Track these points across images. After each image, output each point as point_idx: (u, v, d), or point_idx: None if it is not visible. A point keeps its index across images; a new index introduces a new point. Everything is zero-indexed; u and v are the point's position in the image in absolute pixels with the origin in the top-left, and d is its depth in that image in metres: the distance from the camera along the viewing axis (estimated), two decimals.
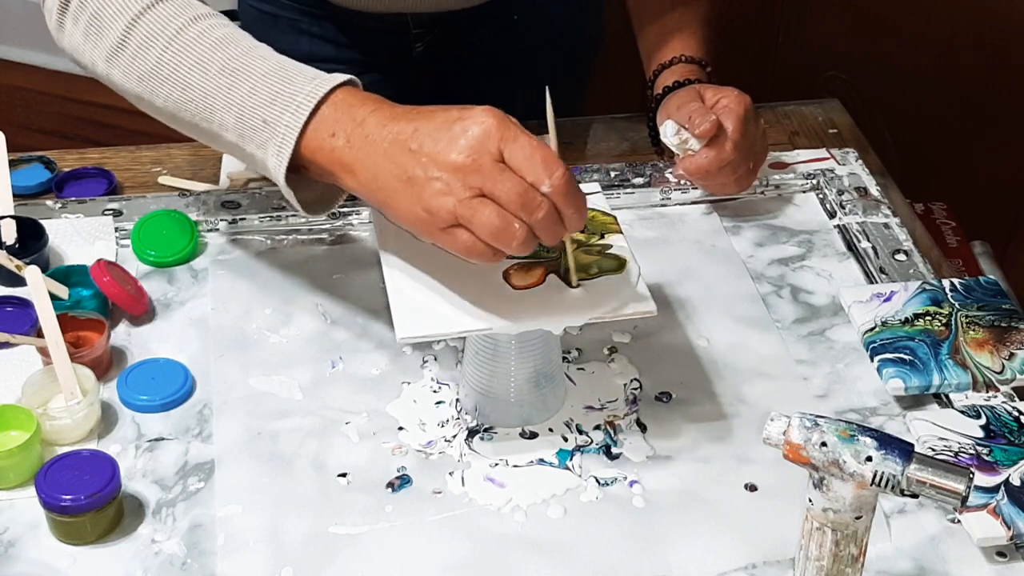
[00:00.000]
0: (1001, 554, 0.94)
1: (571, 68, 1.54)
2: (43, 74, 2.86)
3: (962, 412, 1.03)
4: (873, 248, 1.22)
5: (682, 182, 1.28)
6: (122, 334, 1.11)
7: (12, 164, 1.24)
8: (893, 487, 0.78)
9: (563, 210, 0.88)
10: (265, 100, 0.95)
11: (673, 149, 1.23)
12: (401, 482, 0.99)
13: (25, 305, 1.09)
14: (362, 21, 1.36)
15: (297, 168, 0.96)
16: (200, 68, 0.98)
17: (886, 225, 1.25)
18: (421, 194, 0.89)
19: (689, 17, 1.32)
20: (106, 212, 1.22)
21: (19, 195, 1.23)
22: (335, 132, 0.93)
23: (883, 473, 0.78)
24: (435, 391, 1.06)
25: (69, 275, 1.11)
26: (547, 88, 0.96)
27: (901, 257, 1.21)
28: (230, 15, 1.21)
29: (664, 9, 1.33)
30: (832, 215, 1.27)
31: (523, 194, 0.87)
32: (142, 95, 1.02)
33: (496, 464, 1.00)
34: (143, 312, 1.12)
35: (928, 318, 1.11)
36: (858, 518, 0.81)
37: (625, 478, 0.99)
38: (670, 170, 1.29)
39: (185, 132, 1.04)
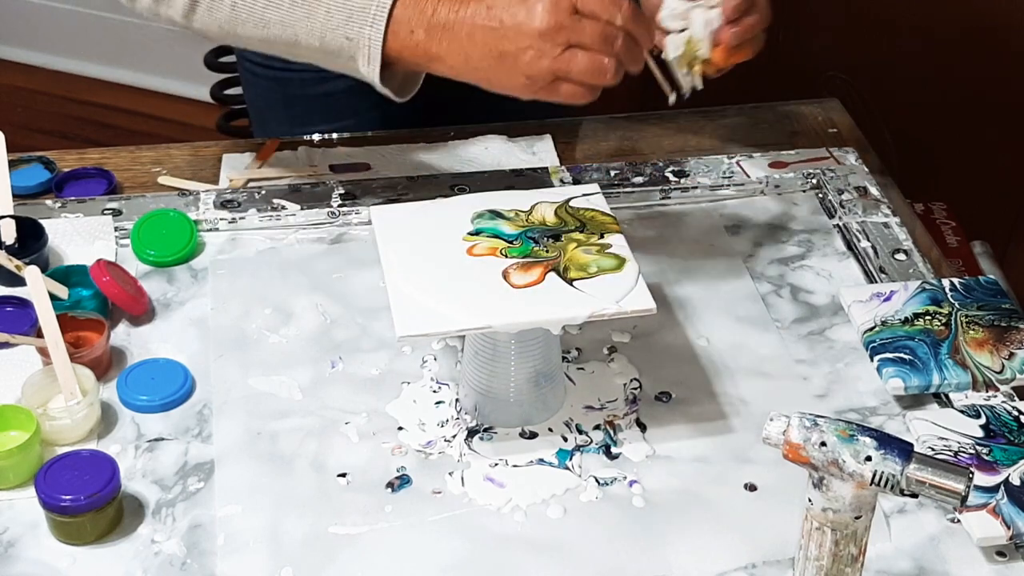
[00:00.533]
0: (1001, 554, 0.94)
1: None
2: (43, 74, 2.86)
3: (962, 412, 1.03)
4: (873, 248, 1.22)
5: (682, 180, 1.28)
6: (122, 334, 1.11)
7: (12, 164, 1.24)
8: (893, 487, 0.78)
9: (635, 34, 1.00)
10: (342, 20, 1.04)
11: (678, 51, 1.10)
12: (401, 482, 0.99)
13: (25, 305, 1.09)
14: None
15: (386, 66, 1.06)
16: (274, 5, 1.07)
17: (886, 225, 1.25)
18: (516, 64, 1.00)
19: None
20: (106, 212, 1.22)
21: (19, 195, 1.23)
22: (413, 29, 1.03)
23: (883, 473, 0.77)
24: (435, 391, 1.06)
25: (69, 275, 1.11)
26: None
27: (901, 257, 1.21)
28: None
29: None
30: (832, 215, 1.27)
31: (603, 33, 0.99)
32: (224, 39, 1.13)
33: (496, 464, 1.00)
34: (143, 312, 1.12)
35: (928, 318, 1.11)
36: (858, 518, 0.81)
37: (625, 478, 0.99)
38: (670, 169, 1.29)
39: (279, 55, 1.13)
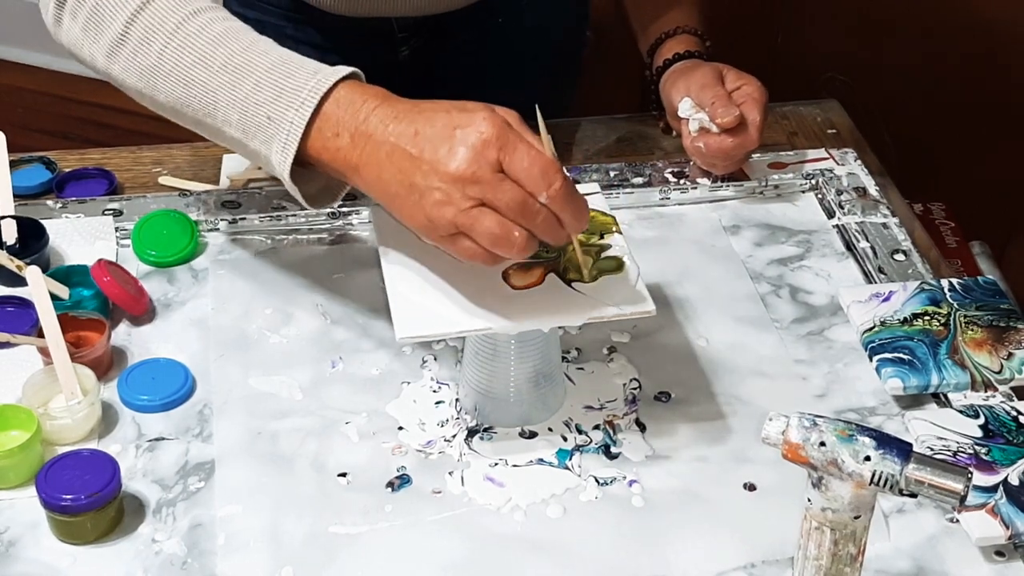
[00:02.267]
0: (1000, 553, 0.94)
1: (558, 68, 1.54)
2: (44, 74, 2.86)
3: (961, 412, 1.03)
4: (872, 248, 1.22)
5: (681, 180, 1.28)
6: (122, 334, 1.11)
7: (13, 164, 1.24)
8: (892, 487, 0.78)
9: (562, 216, 0.89)
10: (269, 96, 0.95)
11: (690, 123, 1.25)
12: (401, 482, 0.99)
13: (26, 305, 1.09)
14: (347, 26, 1.36)
15: (301, 162, 0.96)
16: (202, 64, 0.97)
17: (885, 225, 1.25)
18: (422, 202, 0.89)
19: None
20: (106, 212, 1.22)
21: (20, 195, 1.23)
22: (339, 132, 0.93)
23: (882, 473, 0.78)
24: (435, 391, 1.06)
25: (70, 275, 1.12)
26: (536, 106, 0.96)
27: (900, 257, 1.21)
28: None
29: None
30: (831, 215, 1.27)
31: (522, 203, 0.88)
32: (143, 91, 1.02)
33: (496, 464, 1.00)
34: (143, 312, 1.12)
35: (927, 318, 1.11)
36: (857, 517, 0.81)
37: (624, 478, 0.99)
38: (669, 170, 1.29)
39: (188, 127, 1.04)
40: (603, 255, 1.01)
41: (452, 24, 1.39)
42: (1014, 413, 1.03)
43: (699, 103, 1.23)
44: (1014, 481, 0.97)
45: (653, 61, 1.33)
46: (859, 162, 1.33)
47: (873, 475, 0.78)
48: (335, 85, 0.94)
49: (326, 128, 0.93)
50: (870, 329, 1.11)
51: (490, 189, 0.87)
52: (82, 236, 1.19)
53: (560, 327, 1.04)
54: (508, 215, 0.88)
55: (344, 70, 0.95)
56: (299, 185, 0.97)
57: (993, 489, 0.96)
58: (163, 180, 1.30)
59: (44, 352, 1.03)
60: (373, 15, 1.35)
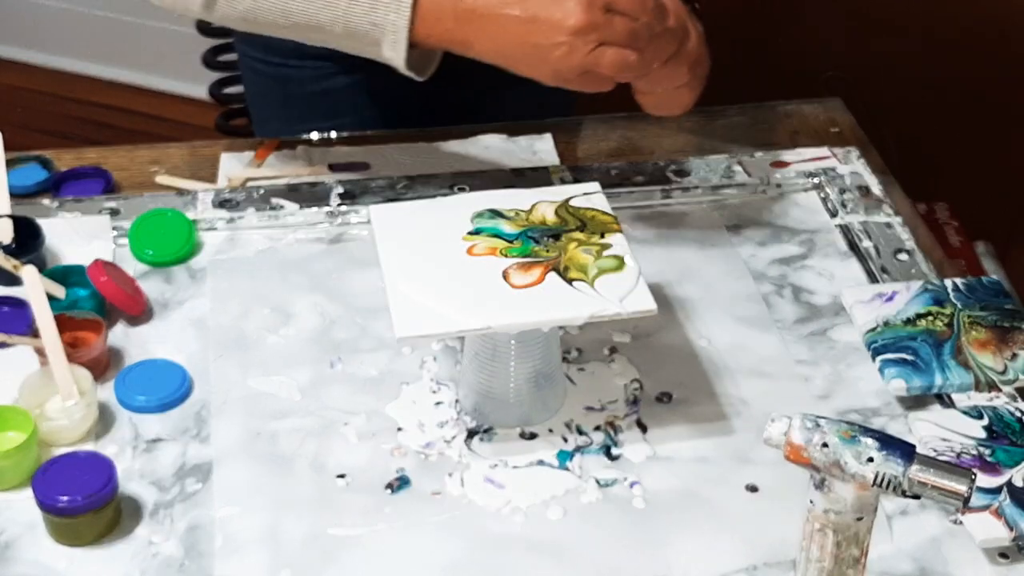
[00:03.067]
0: (1003, 555, 0.94)
1: None
2: (42, 74, 2.86)
3: (964, 413, 1.03)
4: (875, 248, 1.22)
5: (683, 179, 1.28)
6: (119, 334, 1.10)
7: (9, 163, 1.24)
8: (895, 488, 0.77)
9: (663, 32, 1.01)
10: (367, 7, 1.05)
11: None
12: (400, 483, 0.98)
13: (22, 305, 1.09)
14: None
15: (411, 47, 1.06)
16: None
17: (888, 224, 1.25)
18: (547, 58, 1.01)
19: None
20: (103, 211, 1.21)
21: (16, 194, 1.22)
22: (440, 17, 1.04)
23: (885, 474, 0.77)
24: (434, 391, 1.06)
25: (66, 275, 1.11)
26: None
27: (903, 257, 1.21)
28: None
29: None
30: (834, 214, 1.27)
31: (632, 30, 1.00)
32: (247, 28, 1.12)
33: (495, 465, 1.00)
34: (141, 312, 1.11)
35: (930, 318, 1.10)
36: (859, 519, 0.80)
37: (625, 479, 0.99)
38: (671, 168, 1.28)
39: (297, 39, 1.13)
40: (604, 254, 1.00)
41: None
42: (1018, 414, 1.02)
43: None
44: (1018, 483, 0.96)
45: None
46: (862, 161, 1.33)
47: (876, 476, 0.77)
48: None
49: (428, 17, 1.04)
50: (873, 329, 1.10)
51: (606, 29, 1.00)
52: (79, 235, 1.19)
53: (560, 327, 1.04)
54: (624, 44, 1.00)
55: None
56: (410, 67, 1.08)
57: (997, 491, 0.96)
58: (160, 179, 1.29)
59: (40, 353, 1.03)
60: None
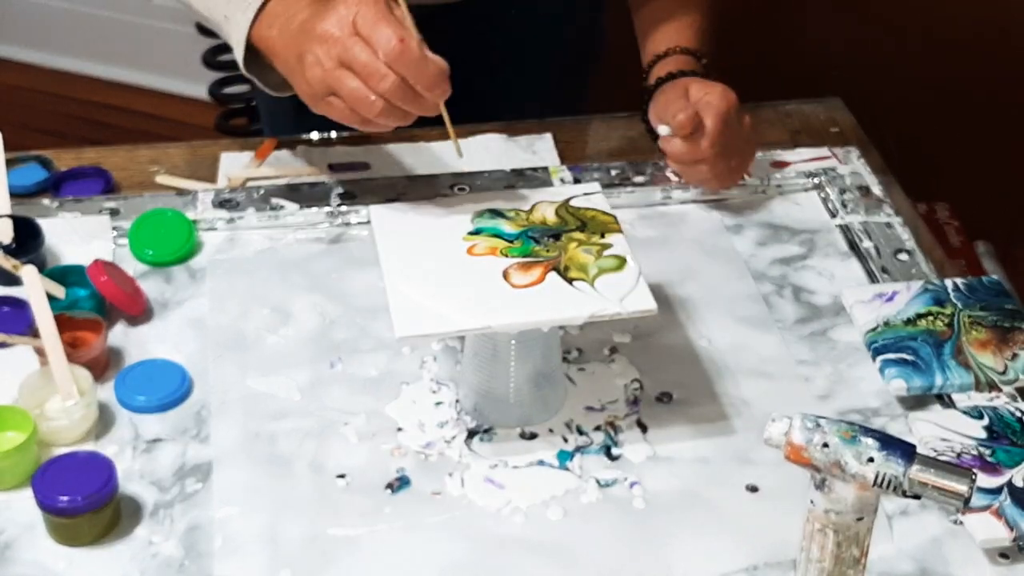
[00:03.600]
0: (1004, 555, 0.94)
1: (571, 67, 1.53)
2: (41, 73, 2.86)
3: (965, 413, 1.03)
4: (875, 248, 1.22)
5: (681, 179, 1.28)
6: (119, 334, 1.10)
7: (9, 163, 1.23)
8: (895, 488, 0.77)
9: (408, 79, 0.99)
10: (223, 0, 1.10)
11: (659, 129, 1.22)
12: (400, 483, 0.98)
13: (21, 305, 1.08)
14: None
15: (257, 55, 1.10)
16: None
17: (888, 224, 1.24)
18: (303, 67, 1.02)
19: (687, 6, 1.31)
20: (103, 211, 1.21)
21: (16, 194, 1.22)
22: (272, 24, 1.07)
23: (885, 474, 0.77)
24: (434, 392, 1.05)
25: (66, 275, 1.11)
26: None
27: (903, 257, 1.21)
28: None
29: None
30: (834, 214, 1.27)
31: (369, 63, 0.98)
32: None
33: (495, 465, 1.00)
34: (140, 312, 1.11)
35: (931, 318, 1.10)
36: (860, 519, 0.80)
37: (625, 479, 0.99)
38: (670, 169, 1.28)
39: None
40: (604, 254, 1.00)
41: (462, 16, 1.39)
42: (1018, 414, 1.02)
43: (663, 117, 1.21)
44: (1018, 483, 0.96)
45: (646, 82, 1.30)
46: (862, 161, 1.32)
47: (876, 477, 0.77)
48: None
49: (264, 22, 1.08)
50: (873, 329, 1.10)
51: (344, 48, 0.99)
52: (79, 235, 1.19)
53: (561, 327, 1.04)
54: (362, 76, 0.98)
55: None
56: (265, 75, 1.12)
57: (997, 491, 0.96)
58: (160, 179, 1.29)
59: (40, 353, 1.03)
60: None
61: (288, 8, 1.07)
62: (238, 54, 1.11)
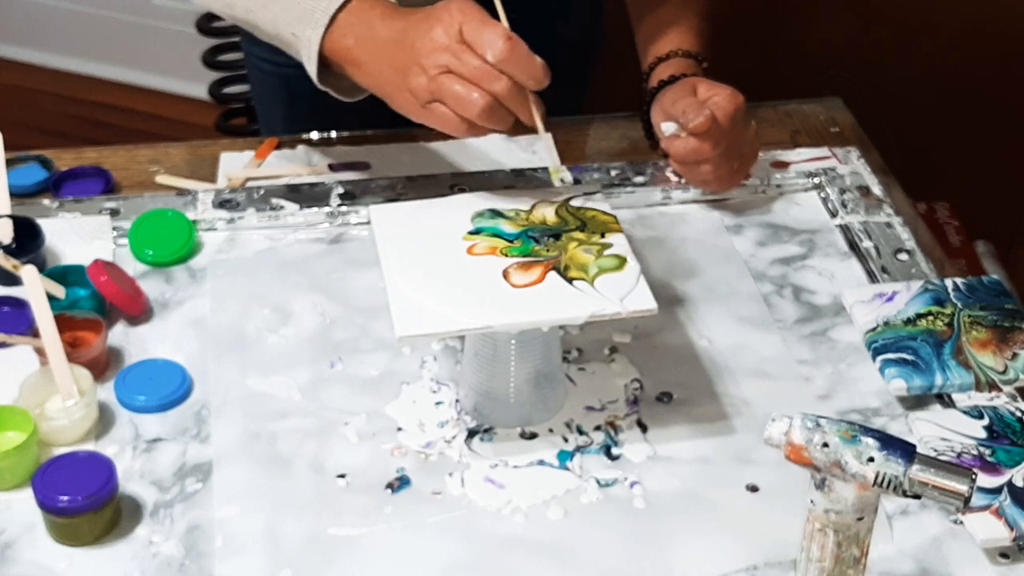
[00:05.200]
0: (1004, 555, 0.94)
1: (570, 68, 1.53)
2: (41, 73, 2.86)
3: (965, 413, 1.03)
4: (875, 247, 1.22)
5: (682, 180, 1.27)
6: (119, 334, 1.10)
7: (9, 163, 1.24)
8: (895, 488, 0.77)
9: (516, 78, 1.00)
10: (293, 17, 1.11)
11: (663, 128, 1.22)
12: (400, 483, 0.98)
13: (22, 305, 1.09)
14: None
15: (328, 66, 1.11)
16: None
17: (888, 224, 1.24)
18: (405, 78, 1.03)
19: (686, 10, 1.31)
20: (103, 211, 1.21)
21: (16, 194, 1.22)
22: (347, 34, 1.08)
23: (885, 474, 0.77)
24: (434, 391, 1.05)
25: (66, 275, 1.11)
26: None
27: (903, 257, 1.21)
28: None
29: (661, 0, 1.32)
30: (834, 214, 1.27)
31: (479, 67, 1.00)
32: (220, 13, 1.20)
33: (496, 465, 1.00)
34: (140, 312, 1.11)
35: (931, 318, 1.10)
36: (860, 519, 0.80)
37: (626, 479, 0.99)
38: (670, 169, 1.28)
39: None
40: (604, 253, 1.00)
41: None
42: (1019, 414, 1.02)
43: (671, 115, 1.21)
44: (1019, 483, 0.96)
45: (647, 85, 1.31)
46: (862, 161, 1.32)
47: (876, 476, 0.77)
48: (349, 0, 1.08)
49: (336, 33, 1.08)
50: (873, 329, 1.10)
51: (453, 56, 1.00)
52: (79, 235, 1.19)
53: (561, 326, 1.04)
54: (471, 79, 1.00)
55: None
56: (334, 82, 1.12)
57: (997, 491, 0.96)
58: (160, 179, 1.29)
59: (40, 352, 1.03)
60: None
61: (364, 18, 1.08)
62: (311, 69, 1.11)
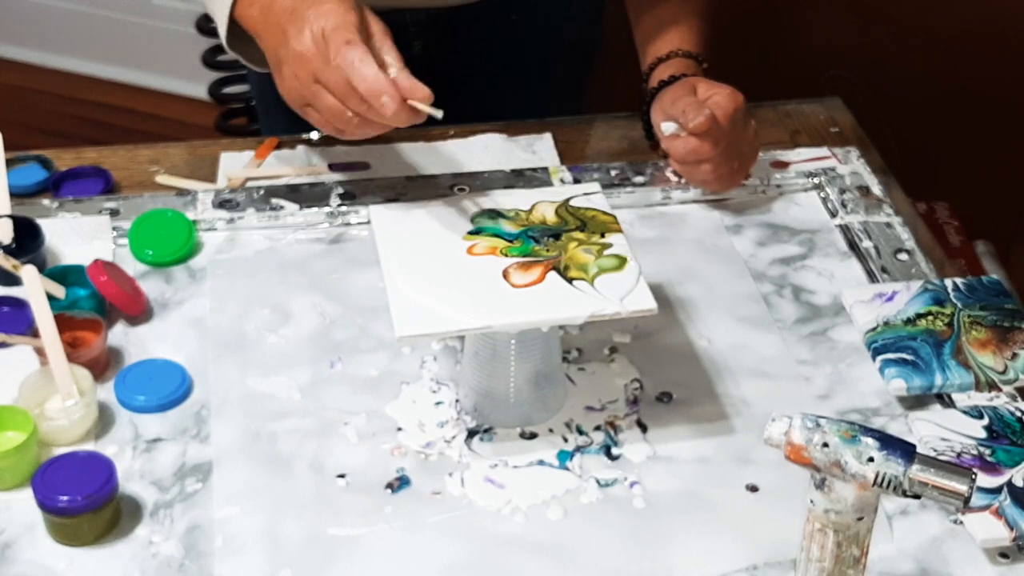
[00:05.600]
0: (1004, 555, 0.94)
1: (571, 67, 1.53)
2: (41, 73, 2.86)
3: (965, 413, 1.03)
4: (875, 247, 1.22)
5: (682, 180, 1.27)
6: (119, 334, 1.10)
7: (9, 163, 1.24)
8: (895, 488, 0.77)
9: (376, 107, 1.00)
10: None
11: (663, 128, 1.22)
12: (400, 483, 0.98)
13: (21, 305, 1.08)
14: None
15: (240, 34, 1.13)
16: None
17: (888, 224, 1.24)
18: (280, 73, 1.06)
19: (686, 10, 1.31)
20: (103, 211, 1.21)
21: (16, 194, 1.22)
22: (253, 3, 1.09)
23: (885, 474, 0.77)
24: (434, 391, 1.05)
25: (66, 275, 1.11)
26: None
27: (903, 256, 1.21)
28: None
29: (660, 0, 1.32)
30: (834, 214, 1.27)
31: (346, 86, 1.00)
32: None
33: (496, 465, 1.00)
34: (140, 312, 1.11)
35: (930, 318, 1.10)
36: (860, 519, 0.80)
37: (625, 479, 0.99)
38: (670, 169, 1.29)
39: None
40: (604, 253, 1.00)
41: (464, 21, 1.39)
42: (1018, 414, 1.02)
43: (671, 115, 1.21)
44: (1018, 483, 0.96)
45: (647, 86, 1.31)
46: (862, 161, 1.32)
47: (876, 476, 0.77)
48: None
49: (245, 0, 1.10)
50: (873, 329, 1.10)
51: (321, 72, 1.02)
52: (78, 235, 1.19)
53: (561, 326, 1.04)
54: (338, 96, 1.01)
55: None
56: (244, 50, 1.14)
57: (997, 491, 0.96)
58: (160, 179, 1.29)
59: (40, 353, 1.03)
60: (386, 8, 1.34)
61: None
62: (221, 31, 1.13)
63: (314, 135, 1.36)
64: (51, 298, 1.05)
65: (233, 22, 1.12)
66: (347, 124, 1.03)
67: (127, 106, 2.80)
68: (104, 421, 1.02)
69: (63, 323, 1.04)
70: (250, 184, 1.27)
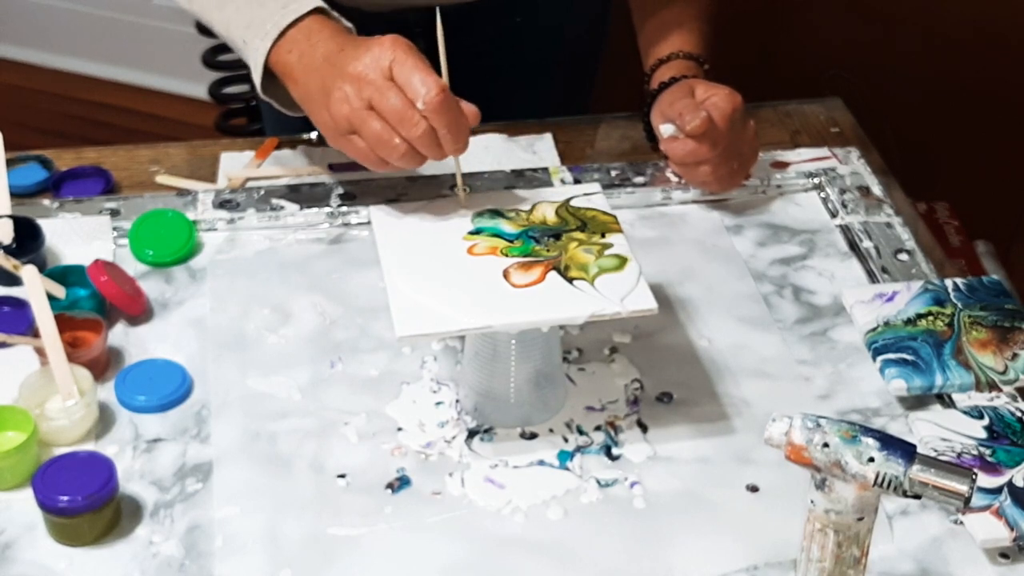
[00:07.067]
0: (1004, 555, 0.94)
1: (575, 68, 1.53)
2: (41, 73, 2.86)
3: (965, 413, 1.03)
4: (875, 248, 1.22)
5: (682, 180, 1.28)
6: (119, 334, 1.10)
7: (9, 163, 1.24)
8: (895, 488, 0.77)
9: (438, 130, 1.01)
10: (244, 23, 1.12)
11: (662, 130, 1.22)
12: (400, 483, 0.98)
13: (22, 305, 1.08)
14: (362, 18, 1.36)
15: (273, 77, 1.13)
16: None
17: (888, 224, 1.24)
18: (328, 100, 1.04)
19: (689, 12, 1.32)
20: (103, 212, 1.21)
21: (16, 194, 1.22)
22: (291, 50, 1.09)
23: (885, 474, 0.77)
24: (434, 391, 1.05)
25: (66, 275, 1.11)
26: (438, 12, 1.07)
27: (903, 257, 1.21)
28: None
29: (664, 3, 1.32)
30: (834, 214, 1.27)
31: (401, 110, 1.00)
32: (191, 13, 1.20)
33: (496, 465, 1.00)
34: (141, 312, 1.11)
35: (931, 318, 1.10)
36: (860, 519, 0.80)
37: (626, 479, 0.99)
38: (670, 170, 1.29)
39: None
40: (605, 253, 1.00)
41: (468, 21, 1.39)
42: (1019, 414, 1.02)
43: (669, 116, 1.21)
44: (1019, 483, 0.96)
45: (648, 87, 1.31)
46: (862, 161, 1.32)
47: (877, 477, 0.77)
48: (302, 17, 1.10)
49: (283, 47, 1.10)
50: (874, 329, 1.10)
51: (377, 92, 1.01)
52: (79, 236, 1.19)
53: (561, 326, 1.04)
54: (390, 121, 1.01)
55: (310, 4, 1.10)
56: (277, 93, 1.14)
57: (998, 491, 0.96)
58: (160, 179, 1.29)
59: (40, 353, 1.03)
60: (389, 7, 1.34)
61: (310, 36, 1.08)
62: (256, 78, 1.12)
63: (314, 135, 1.36)
64: (51, 298, 1.05)
65: (267, 69, 1.11)
66: (392, 152, 1.02)
67: (127, 106, 2.80)
68: (104, 421, 1.02)
69: (63, 323, 1.04)
70: (250, 184, 1.27)
